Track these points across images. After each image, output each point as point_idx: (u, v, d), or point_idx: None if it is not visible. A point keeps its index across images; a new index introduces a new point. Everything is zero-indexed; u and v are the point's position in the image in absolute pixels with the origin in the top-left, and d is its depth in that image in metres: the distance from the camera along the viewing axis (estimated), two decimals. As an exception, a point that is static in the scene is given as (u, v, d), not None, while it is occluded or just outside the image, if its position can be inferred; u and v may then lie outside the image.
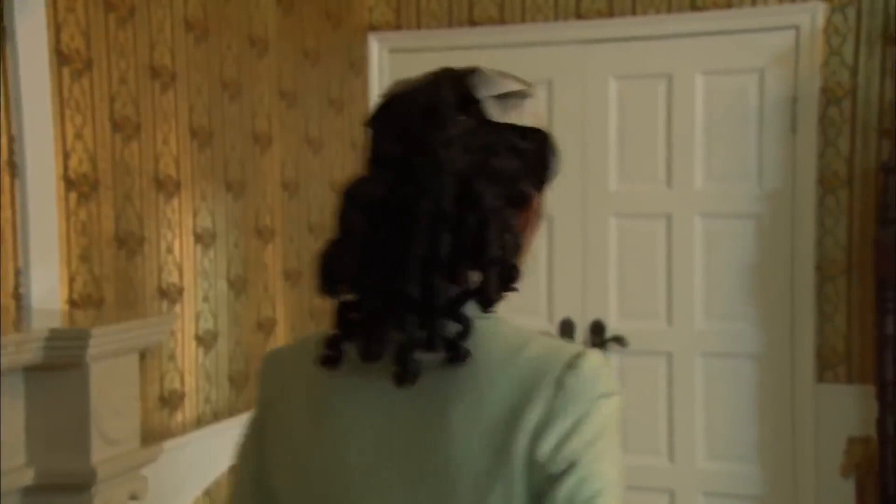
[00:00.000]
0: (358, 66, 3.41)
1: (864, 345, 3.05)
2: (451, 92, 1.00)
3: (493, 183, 0.96)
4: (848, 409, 3.05)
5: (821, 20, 3.03)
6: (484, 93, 1.00)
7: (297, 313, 2.97)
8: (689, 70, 3.20)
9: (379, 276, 0.94)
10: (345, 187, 0.98)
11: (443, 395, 0.94)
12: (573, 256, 3.36)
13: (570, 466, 0.91)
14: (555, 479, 0.91)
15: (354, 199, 0.96)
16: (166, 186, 2.33)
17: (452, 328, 0.93)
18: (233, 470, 1.19)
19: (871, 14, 2.99)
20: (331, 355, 0.98)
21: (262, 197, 2.78)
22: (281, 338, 2.87)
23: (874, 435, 2.92)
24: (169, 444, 2.29)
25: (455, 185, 0.93)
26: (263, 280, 2.79)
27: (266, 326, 2.80)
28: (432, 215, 0.92)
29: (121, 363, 1.71)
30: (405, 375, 0.92)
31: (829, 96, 3.05)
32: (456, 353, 0.93)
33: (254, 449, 1.10)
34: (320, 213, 3.13)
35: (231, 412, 2.62)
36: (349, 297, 0.97)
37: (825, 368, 3.10)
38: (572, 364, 0.95)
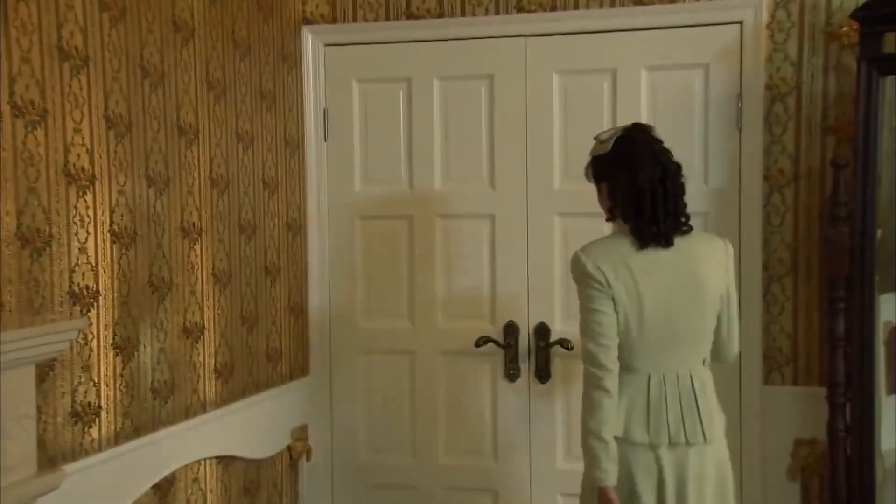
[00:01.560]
0: (291, 59, 3.19)
1: (810, 346, 2.96)
2: (655, 136, 2.39)
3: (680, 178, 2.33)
4: (794, 412, 2.96)
5: (764, 15, 2.94)
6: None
7: (228, 318, 2.75)
8: (634, 65, 3.08)
9: (664, 211, 2.25)
10: (637, 182, 2.27)
11: (693, 253, 2.29)
12: (516, 257, 3.20)
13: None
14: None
15: (644, 186, 2.27)
16: (78, 179, 2.09)
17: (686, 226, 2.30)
18: (591, 333, 2.23)
19: (814, 9, 2.90)
20: (645, 242, 2.26)
21: (189, 193, 2.55)
22: (210, 344, 2.65)
23: (820, 437, 2.83)
24: (81, 464, 2.05)
25: (679, 181, 2.32)
26: (190, 282, 2.56)
27: (193, 332, 2.57)
28: (678, 190, 2.30)
29: (14, 377, 1.47)
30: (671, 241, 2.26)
31: (774, 92, 2.96)
32: (689, 228, 2.30)
33: (610, 308, 2.23)
34: (252, 210, 2.91)
35: (154, 426, 2.38)
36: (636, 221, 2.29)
37: (771, 370, 3.01)
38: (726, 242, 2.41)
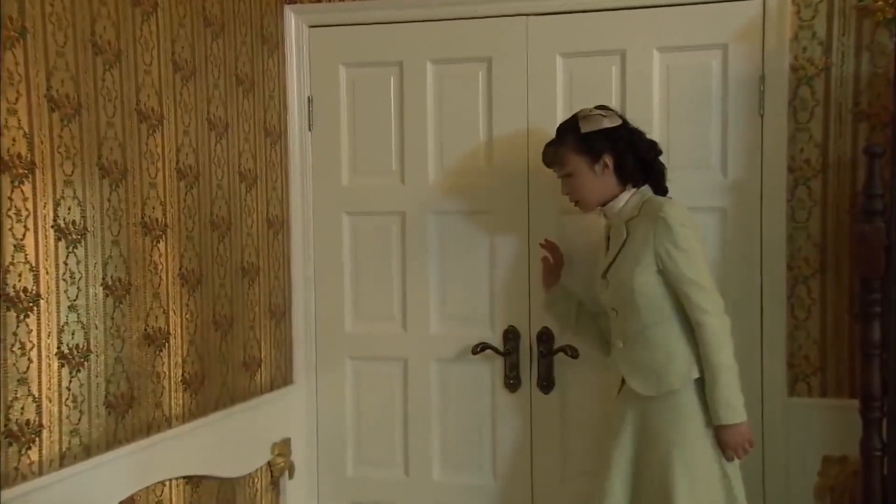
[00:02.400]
0: (272, 41, 2.96)
1: (839, 354, 2.71)
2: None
3: None
4: (822, 426, 2.71)
5: (790, -10, 2.69)
6: None
7: (198, 323, 2.52)
8: (645, 46, 2.83)
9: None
10: (649, 142, 2.56)
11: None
12: (517, 257, 2.96)
13: None
14: None
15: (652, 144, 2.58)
16: (14, 168, 1.86)
17: None
18: (710, 279, 2.42)
19: (845, -17, 2.65)
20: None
21: (151, 185, 2.32)
22: (177, 352, 2.42)
23: (852, 454, 2.58)
24: (18, 491, 1.82)
25: None
26: (153, 284, 2.33)
27: (156, 339, 2.34)
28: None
29: None
30: None
31: (800, 75, 2.71)
32: None
33: None
34: (226, 205, 2.68)
35: (109, 444, 2.15)
36: None
37: (797, 380, 2.76)
38: None
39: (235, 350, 2.72)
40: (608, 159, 2.49)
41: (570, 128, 2.56)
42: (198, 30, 2.53)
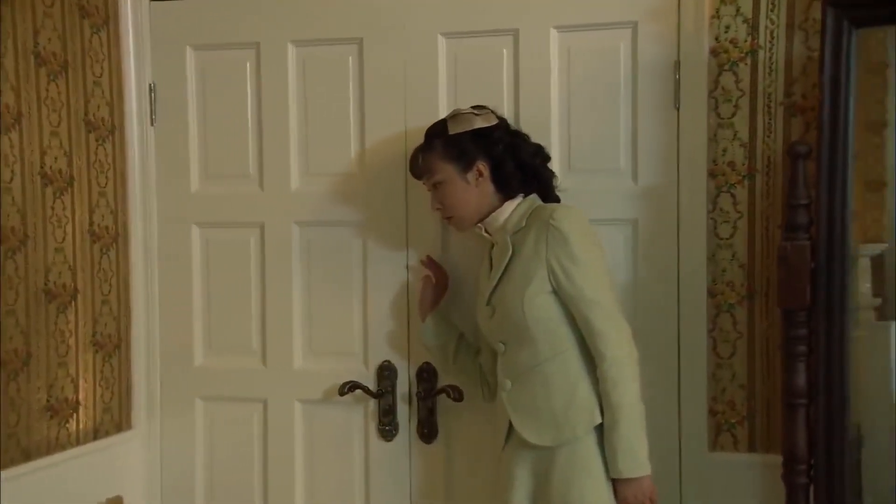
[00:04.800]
0: (98, 16, 2.61)
1: (771, 399, 2.35)
2: None
3: None
4: (750, 485, 2.36)
5: (710, -41, 2.35)
6: None
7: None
8: (541, 25, 2.50)
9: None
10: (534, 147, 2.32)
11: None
12: (395, 276, 2.62)
13: None
14: None
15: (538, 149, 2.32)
16: None
17: None
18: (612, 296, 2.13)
19: (776, -50, 2.31)
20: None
21: None
22: (83, 423, 2.04)
23: (786, 521, 2.21)
24: None
25: None
26: None
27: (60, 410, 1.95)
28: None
29: None
30: None
31: (721, 59, 2.37)
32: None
33: None
34: (19, 214, 2.31)
35: None
36: None
37: (720, 431, 2.40)
38: None
39: (32, 393, 2.34)
40: (482, 166, 2.24)
41: (438, 131, 2.30)
42: (-23, -2, 2.17)
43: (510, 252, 2.19)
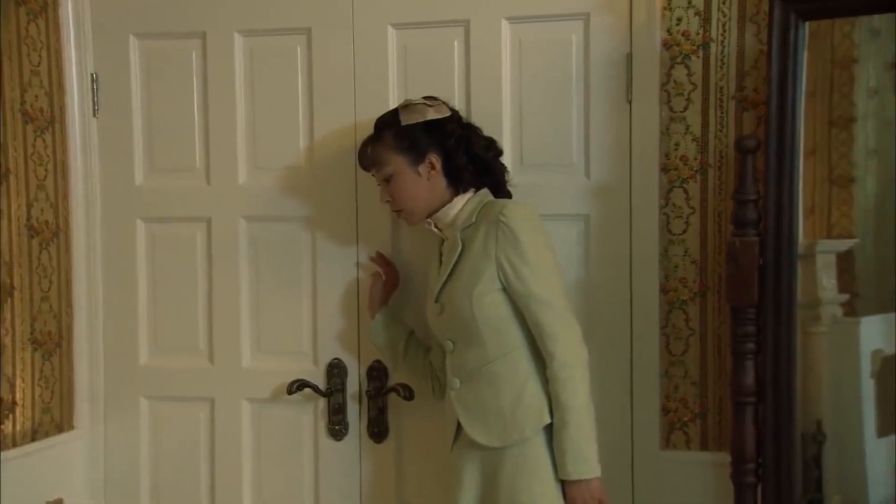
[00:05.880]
0: (34, 1, 2.56)
1: (723, 397, 2.35)
2: None
3: None
4: (702, 484, 2.36)
5: (663, -50, 2.35)
6: None
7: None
8: (492, 16, 2.48)
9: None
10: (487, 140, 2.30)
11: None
12: (345, 272, 2.60)
13: None
14: None
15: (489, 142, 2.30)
16: None
17: None
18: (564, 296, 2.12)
19: (729, -60, 2.31)
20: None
21: None
22: (21, 423, 2.02)
23: (735, 521, 2.22)
24: None
25: None
26: None
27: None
28: None
29: None
30: None
31: (673, 52, 2.37)
32: None
33: None
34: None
35: None
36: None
37: (673, 429, 2.40)
38: None
39: (-36, 392, 2.31)
40: (434, 158, 2.22)
41: (388, 122, 2.27)
42: None
43: (459, 248, 2.18)
